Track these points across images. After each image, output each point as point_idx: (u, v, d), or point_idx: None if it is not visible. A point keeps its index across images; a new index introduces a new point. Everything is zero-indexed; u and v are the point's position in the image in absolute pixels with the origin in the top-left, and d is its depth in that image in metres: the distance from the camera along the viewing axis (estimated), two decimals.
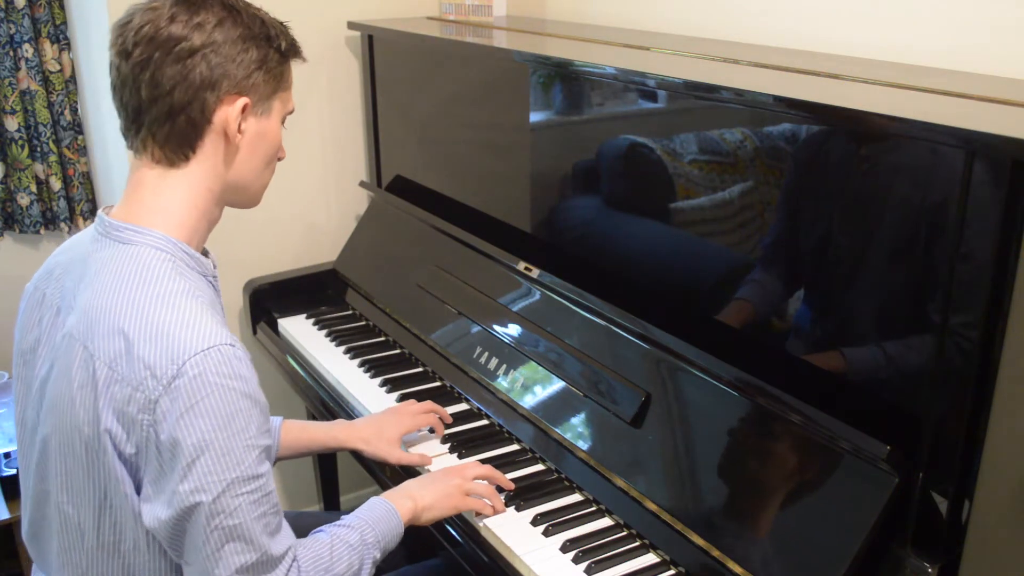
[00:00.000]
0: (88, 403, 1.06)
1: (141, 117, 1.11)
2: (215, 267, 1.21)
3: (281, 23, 1.19)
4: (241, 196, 1.21)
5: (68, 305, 1.14)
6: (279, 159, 1.24)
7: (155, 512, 1.06)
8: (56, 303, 1.17)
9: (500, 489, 1.45)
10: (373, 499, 1.33)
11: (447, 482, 1.39)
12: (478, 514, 1.39)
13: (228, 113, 1.12)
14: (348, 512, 1.29)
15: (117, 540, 1.12)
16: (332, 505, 2.30)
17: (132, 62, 1.09)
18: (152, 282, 1.08)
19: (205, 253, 1.21)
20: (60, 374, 1.10)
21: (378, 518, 1.27)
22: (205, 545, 1.04)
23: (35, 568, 1.31)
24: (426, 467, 1.51)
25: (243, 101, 1.13)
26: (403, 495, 1.34)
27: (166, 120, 1.10)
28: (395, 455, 1.49)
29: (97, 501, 1.10)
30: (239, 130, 1.14)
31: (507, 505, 1.43)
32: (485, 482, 1.44)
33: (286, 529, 1.12)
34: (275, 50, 1.16)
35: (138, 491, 1.08)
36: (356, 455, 1.58)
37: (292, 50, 1.20)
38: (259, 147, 1.18)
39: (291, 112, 1.23)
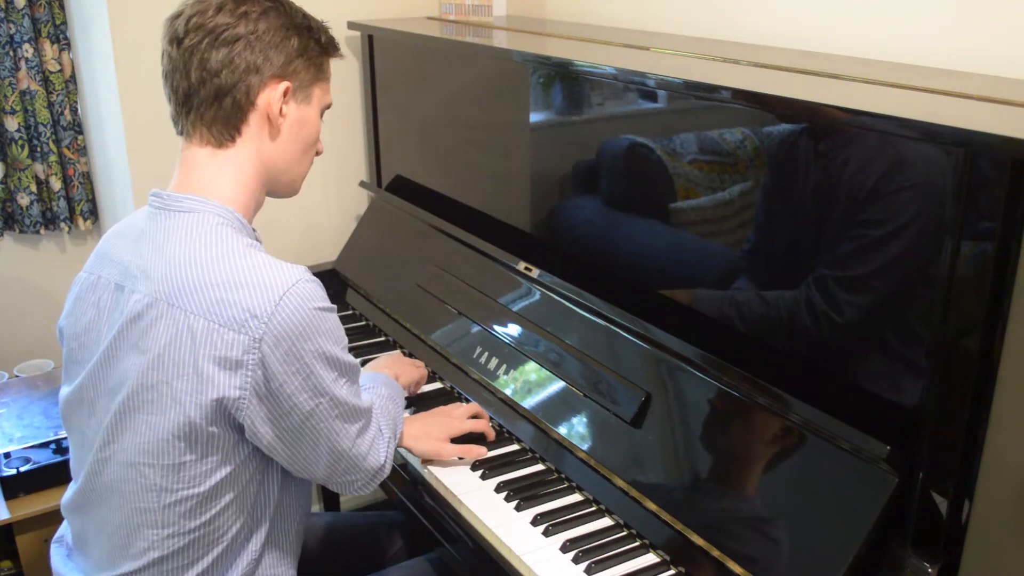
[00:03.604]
0: (180, 357, 1.12)
1: (191, 100, 1.20)
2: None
3: (321, 21, 1.29)
4: (281, 180, 1.29)
5: (132, 277, 1.18)
6: (317, 153, 1.33)
7: (273, 432, 1.16)
8: (114, 281, 1.21)
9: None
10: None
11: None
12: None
13: (271, 96, 1.21)
14: (347, 511, 1.30)
15: (201, 492, 1.16)
16: (332, 505, 2.30)
17: (183, 48, 1.18)
18: (224, 240, 1.16)
19: None
20: (137, 337, 1.15)
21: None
22: (328, 434, 1.20)
23: (63, 551, 1.32)
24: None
25: (285, 85, 1.22)
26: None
27: (213, 101, 1.19)
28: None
29: (178, 454, 1.14)
30: (281, 113, 1.22)
31: (507, 503, 1.43)
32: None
33: (357, 384, 1.28)
34: (315, 41, 1.26)
35: (240, 432, 1.16)
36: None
37: (332, 45, 1.31)
38: (299, 133, 1.27)
39: (329, 106, 1.32)
